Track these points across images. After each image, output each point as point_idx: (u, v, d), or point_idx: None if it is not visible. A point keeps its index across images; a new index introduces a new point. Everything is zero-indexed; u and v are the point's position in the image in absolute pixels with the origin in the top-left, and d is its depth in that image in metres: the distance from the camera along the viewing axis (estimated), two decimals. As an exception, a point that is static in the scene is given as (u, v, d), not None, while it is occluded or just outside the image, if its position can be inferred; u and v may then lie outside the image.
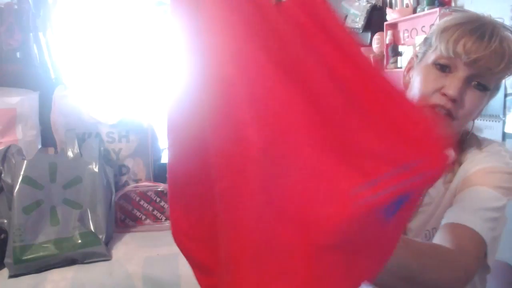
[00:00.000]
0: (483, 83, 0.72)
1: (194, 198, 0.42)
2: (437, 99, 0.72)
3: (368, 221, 0.33)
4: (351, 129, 0.34)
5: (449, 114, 0.72)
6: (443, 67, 0.73)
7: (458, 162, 0.79)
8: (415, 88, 0.76)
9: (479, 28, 0.70)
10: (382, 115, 0.35)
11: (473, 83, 0.72)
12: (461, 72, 0.71)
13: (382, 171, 0.33)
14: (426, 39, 0.79)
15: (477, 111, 0.75)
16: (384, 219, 0.34)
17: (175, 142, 0.43)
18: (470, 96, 0.72)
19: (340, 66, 0.35)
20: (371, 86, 0.35)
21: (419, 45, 0.81)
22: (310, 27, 0.35)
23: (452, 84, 0.71)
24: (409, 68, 0.84)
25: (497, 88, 0.79)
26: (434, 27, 0.77)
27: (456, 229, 0.66)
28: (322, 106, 0.33)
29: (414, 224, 0.81)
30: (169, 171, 0.44)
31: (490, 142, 0.80)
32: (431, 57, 0.75)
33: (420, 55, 0.80)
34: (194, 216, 0.43)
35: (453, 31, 0.71)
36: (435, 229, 0.77)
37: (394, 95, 0.36)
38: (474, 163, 0.76)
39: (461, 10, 0.76)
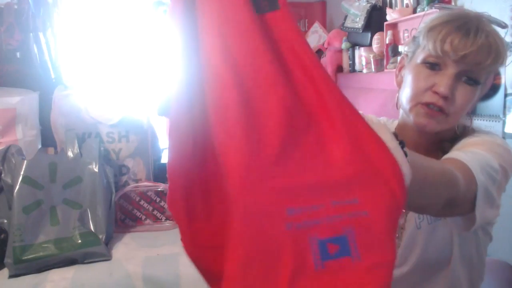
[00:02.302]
0: (473, 78, 0.73)
1: (215, 202, 0.41)
2: (429, 97, 0.74)
3: (297, 250, 0.32)
4: (303, 154, 0.34)
5: (442, 111, 0.73)
6: (432, 65, 0.74)
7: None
8: (407, 87, 0.77)
9: (465, 25, 0.71)
10: (335, 144, 0.35)
11: (463, 78, 0.73)
12: (451, 69, 0.72)
13: (319, 201, 0.33)
14: (414, 38, 0.80)
15: (469, 105, 0.77)
16: (315, 261, 0.32)
17: (182, 146, 0.41)
18: (461, 92, 0.73)
19: (303, 90, 0.35)
20: (332, 114, 0.35)
21: (409, 44, 0.82)
22: (284, 44, 0.35)
23: (442, 82, 0.72)
24: (401, 68, 0.85)
25: (491, 83, 0.80)
26: (421, 26, 0.78)
27: (447, 160, 0.66)
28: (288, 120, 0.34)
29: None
30: (179, 182, 0.41)
31: (484, 131, 0.81)
32: (420, 56, 0.76)
33: (410, 54, 0.81)
34: (216, 221, 0.41)
35: (440, 29, 0.72)
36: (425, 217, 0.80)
37: (353, 129, 0.35)
38: (464, 140, 0.77)
39: (447, 7, 0.77)
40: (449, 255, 0.80)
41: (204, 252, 0.43)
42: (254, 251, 0.33)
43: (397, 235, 0.79)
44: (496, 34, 0.73)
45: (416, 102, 0.75)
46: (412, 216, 0.81)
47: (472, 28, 0.71)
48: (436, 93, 0.73)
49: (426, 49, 0.74)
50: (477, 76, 0.73)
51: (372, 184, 0.34)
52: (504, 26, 0.78)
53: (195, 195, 0.41)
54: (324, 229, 0.32)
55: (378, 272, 0.32)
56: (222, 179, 0.36)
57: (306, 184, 0.33)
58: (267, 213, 0.33)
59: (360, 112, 0.37)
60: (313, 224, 0.32)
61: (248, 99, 0.34)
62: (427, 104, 0.74)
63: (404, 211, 0.80)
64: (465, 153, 0.68)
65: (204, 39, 0.36)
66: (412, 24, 2.44)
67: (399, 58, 2.62)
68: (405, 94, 0.78)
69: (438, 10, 0.77)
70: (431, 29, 0.73)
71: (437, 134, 0.78)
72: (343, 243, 0.32)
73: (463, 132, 0.81)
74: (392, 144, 0.38)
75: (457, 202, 0.59)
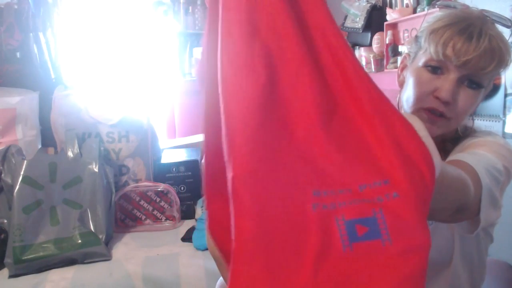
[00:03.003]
0: (476, 82, 0.72)
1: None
2: (430, 102, 0.72)
3: (322, 230, 0.31)
4: (331, 135, 0.33)
5: (443, 116, 0.72)
6: (434, 69, 0.73)
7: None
8: (409, 90, 0.76)
9: (467, 28, 0.70)
10: (364, 126, 0.34)
11: (465, 82, 0.72)
12: (453, 74, 0.71)
13: (346, 185, 0.32)
14: (416, 38, 0.78)
15: (472, 109, 0.76)
16: (343, 242, 0.31)
17: (210, 135, 0.42)
18: (464, 96, 0.72)
19: (331, 73, 0.35)
20: (361, 97, 0.35)
21: (411, 43, 0.81)
22: (313, 25, 0.35)
23: (444, 87, 0.71)
24: (403, 68, 0.84)
25: (492, 84, 0.79)
26: (424, 25, 0.77)
27: (453, 162, 0.65)
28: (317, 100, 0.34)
29: None
30: (206, 163, 0.43)
31: (485, 131, 0.81)
32: (421, 59, 0.75)
33: (412, 55, 0.80)
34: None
35: (442, 33, 0.71)
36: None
37: (381, 113, 0.35)
38: (466, 141, 0.77)
39: (449, 5, 0.75)
40: (450, 256, 0.80)
41: (220, 231, 0.43)
42: (278, 230, 0.32)
43: None
44: (500, 37, 0.71)
45: (418, 107, 0.74)
46: None
47: (475, 31, 0.69)
48: (437, 98, 0.72)
49: (427, 52, 0.73)
50: (480, 80, 0.72)
51: (403, 166, 0.33)
52: (509, 25, 0.77)
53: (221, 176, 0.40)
54: (351, 210, 0.31)
55: (412, 257, 0.31)
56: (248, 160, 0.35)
57: (334, 167, 0.33)
58: (293, 193, 0.32)
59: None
60: (340, 206, 0.31)
61: (275, 81, 0.34)
62: (429, 110, 0.73)
63: None
64: (470, 154, 0.67)
65: (230, 21, 0.35)
66: (412, 24, 2.44)
67: (399, 58, 2.62)
68: (407, 98, 0.77)
69: (439, 9, 0.76)
70: (433, 32, 0.72)
71: (439, 135, 0.77)
72: (372, 225, 0.31)
73: (465, 132, 0.81)
74: (424, 133, 0.37)
75: (466, 207, 0.58)
